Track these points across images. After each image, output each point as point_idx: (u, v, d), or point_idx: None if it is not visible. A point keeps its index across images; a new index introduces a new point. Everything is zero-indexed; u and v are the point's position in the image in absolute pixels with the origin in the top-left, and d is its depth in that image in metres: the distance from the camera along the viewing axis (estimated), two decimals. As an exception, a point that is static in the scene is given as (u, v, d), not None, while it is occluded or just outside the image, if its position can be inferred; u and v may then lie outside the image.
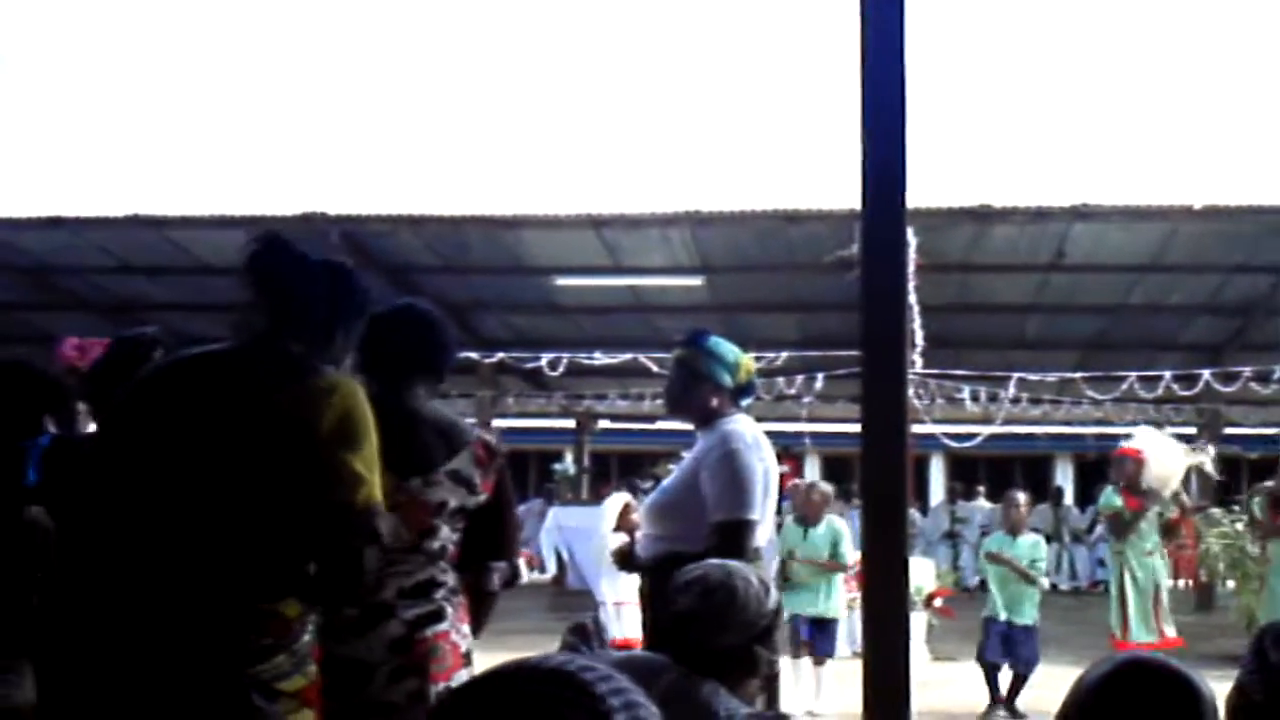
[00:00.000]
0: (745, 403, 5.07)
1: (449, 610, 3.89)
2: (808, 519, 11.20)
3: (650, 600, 4.82)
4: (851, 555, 11.15)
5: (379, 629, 3.72)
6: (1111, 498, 10.91)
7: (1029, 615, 10.80)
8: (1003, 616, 10.74)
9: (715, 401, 4.93)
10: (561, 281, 17.15)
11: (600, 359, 16.36)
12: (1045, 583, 11.17)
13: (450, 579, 3.94)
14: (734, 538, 4.40)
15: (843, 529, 11.28)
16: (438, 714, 1.43)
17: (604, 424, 25.88)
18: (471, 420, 19.93)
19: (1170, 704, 2.18)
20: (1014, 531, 11.14)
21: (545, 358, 16.43)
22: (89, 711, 2.95)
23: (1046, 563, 11.16)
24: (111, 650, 2.91)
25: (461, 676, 3.82)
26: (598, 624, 3.49)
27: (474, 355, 16.94)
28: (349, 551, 3.00)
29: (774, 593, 3.18)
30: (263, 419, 3.01)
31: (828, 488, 11.67)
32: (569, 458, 27.07)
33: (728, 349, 5.06)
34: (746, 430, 4.86)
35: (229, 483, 2.97)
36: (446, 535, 3.93)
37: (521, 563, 5.07)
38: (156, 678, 2.88)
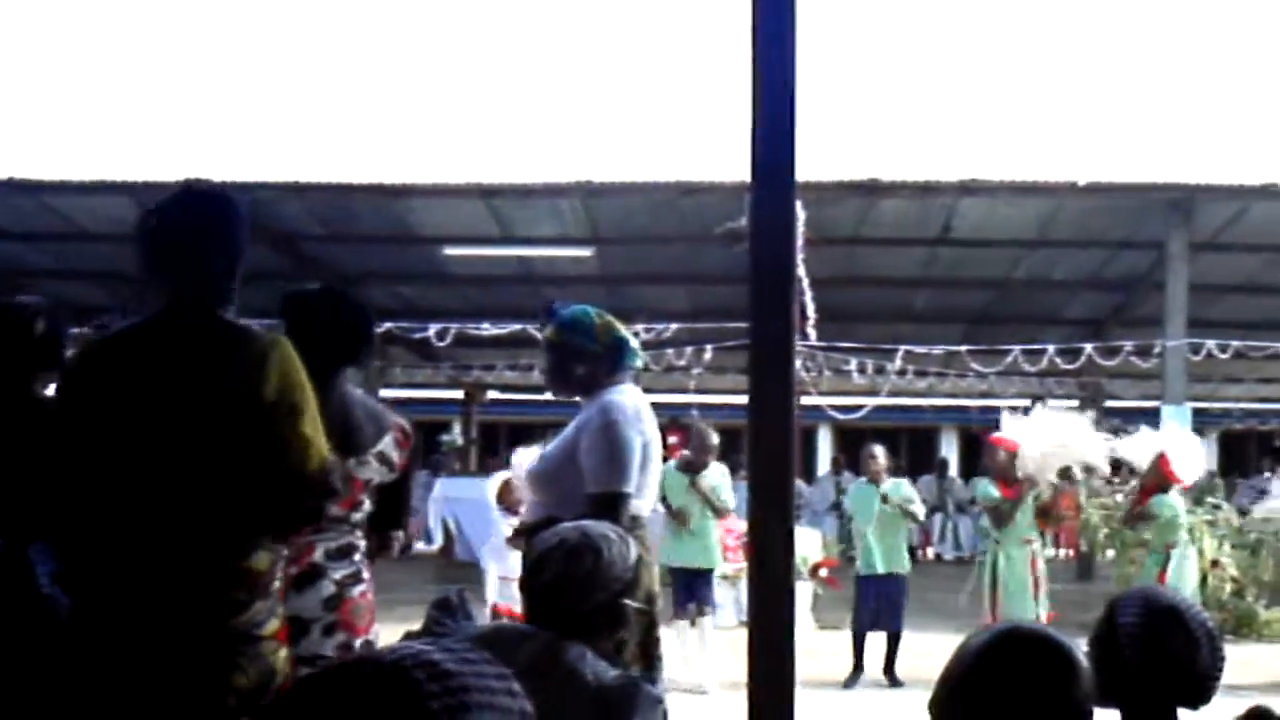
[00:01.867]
0: (633, 365, 5.03)
1: (364, 573, 4.31)
2: (694, 466, 11.22)
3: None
4: (731, 503, 11.26)
5: (314, 587, 4.07)
6: (988, 489, 11.01)
7: (904, 564, 11.00)
8: (881, 570, 10.88)
9: (587, 370, 4.90)
10: (450, 251, 17.03)
11: (489, 330, 16.27)
12: (921, 512, 11.34)
13: (363, 544, 4.34)
14: (608, 510, 4.40)
15: (725, 476, 11.36)
16: (275, 711, 1.42)
17: (492, 395, 25.81)
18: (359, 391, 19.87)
19: (1048, 671, 2.22)
20: (875, 482, 11.26)
21: (433, 328, 16.29)
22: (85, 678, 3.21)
23: (916, 502, 11.33)
24: (101, 614, 3.20)
25: (375, 630, 4.30)
26: (462, 598, 3.53)
27: (361, 325, 16.79)
28: (308, 510, 3.34)
29: (634, 547, 3.18)
30: (209, 393, 3.18)
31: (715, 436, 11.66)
32: (456, 429, 26.95)
33: (581, 313, 5.05)
34: (628, 401, 4.84)
35: (188, 456, 3.16)
36: (366, 507, 4.31)
37: (414, 532, 5.24)
38: (147, 640, 3.14)
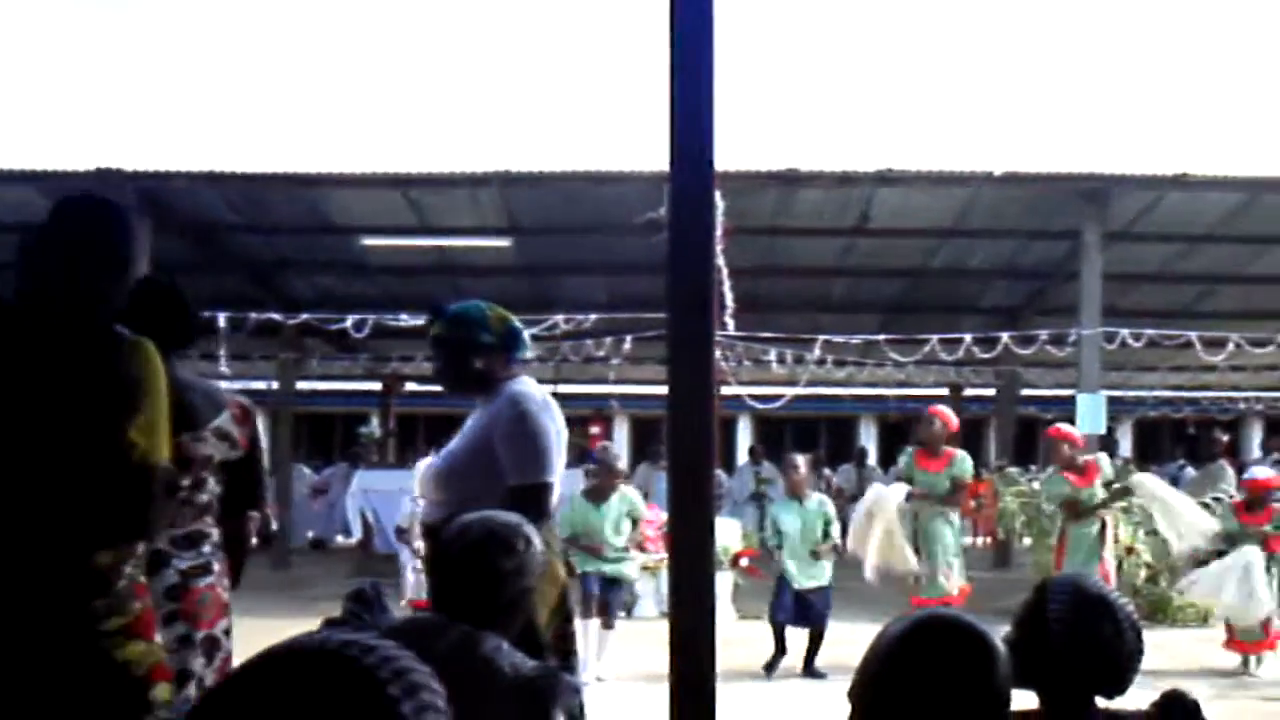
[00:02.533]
0: (525, 357, 4.96)
1: (215, 564, 4.38)
2: (601, 493, 11.11)
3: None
4: (646, 516, 11.27)
5: (157, 575, 4.06)
6: (1060, 483, 11.33)
7: (822, 578, 11.08)
8: (796, 585, 10.98)
9: (485, 364, 4.80)
10: (367, 241, 16.88)
11: (407, 321, 16.14)
12: (836, 538, 11.42)
13: (215, 534, 4.41)
14: (532, 502, 4.34)
15: (635, 495, 11.35)
16: (212, 699, 1.39)
17: (410, 386, 25.66)
18: (275, 384, 19.59)
19: (965, 657, 2.24)
20: (797, 496, 11.37)
21: (350, 319, 16.12)
22: None
23: (835, 524, 11.40)
24: None
25: (223, 625, 4.35)
26: (377, 590, 3.52)
27: (277, 316, 16.58)
28: (141, 513, 3.20)
29: (538, 540, 3.16)
30: (58, 387, 3.12)
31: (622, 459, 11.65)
32: (374, 420, 26.80)
33: (472, 306, 4.93)
34: (534, 391, 4.80)
35: (19, 451, 3.08)
36: (212, 488, 4.40)
37: (271, 514, 5.32)
38: None
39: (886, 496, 11.49)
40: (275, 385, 19.72)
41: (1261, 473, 12.02)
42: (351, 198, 15.52)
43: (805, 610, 10.95)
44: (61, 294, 3.25)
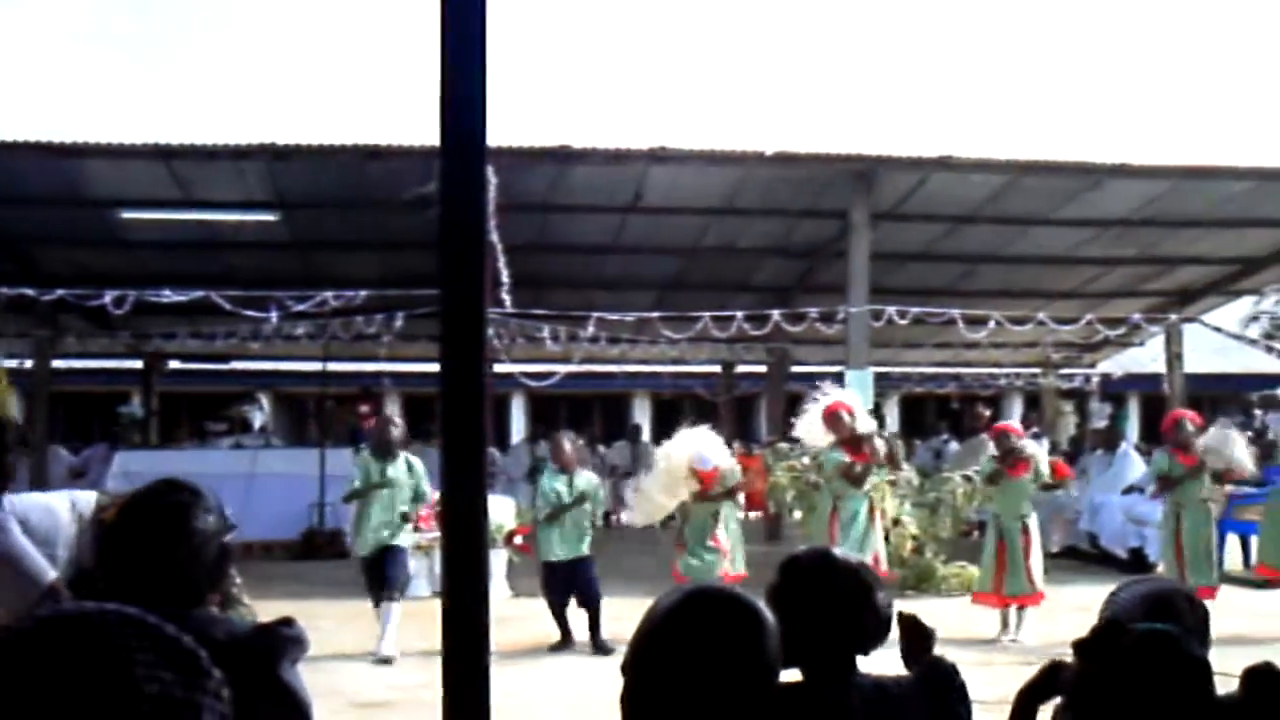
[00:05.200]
0: None
1: None
2: (385, 452, 11.25)
3: None
4: (429, 490, 11.30)
5: None
6: (1164, 460, 12.03)
7: (581, 550, 11.25)
8: (553, 557, 11.14)
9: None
10: (127, 215, 16.31)
11: (170, 296, 15.66)
12: (599, 515, 11.64)
13: None
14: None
15: (418, 463, 11.39)
16: None
17: (174, 364, 24.97)
18: (29, 362, 18.83)
19: (735, 628, 2.26)
20: (565, 469, 11.51)
21: (109, 295, 15.57)
22: None
23: (601, 499, 11.61)
24: None
25: None
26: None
27: (30, 292, 15.93)
28: None
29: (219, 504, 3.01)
30: None
31: (400, 424, 11.70)
32: (136, 400, 26.00)
33: None
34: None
35: None
36: None
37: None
38: None
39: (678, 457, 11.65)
40: (30, 364, 18.97)
41: (1013, 424, 12.63)
42: (109, 169, 14.97)
43: (570, 583, 11.10)
44: None
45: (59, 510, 5.30)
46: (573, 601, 11.15)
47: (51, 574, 4.57)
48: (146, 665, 1.28)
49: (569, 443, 11.69)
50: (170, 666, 1.29)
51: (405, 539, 11.27)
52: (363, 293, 15.75)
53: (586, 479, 11.60)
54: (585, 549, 11.30)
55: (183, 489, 2.89)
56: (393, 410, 16.53)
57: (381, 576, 10.93)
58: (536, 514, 11.80)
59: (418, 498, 11.37)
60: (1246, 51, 68.42)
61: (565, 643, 11.06)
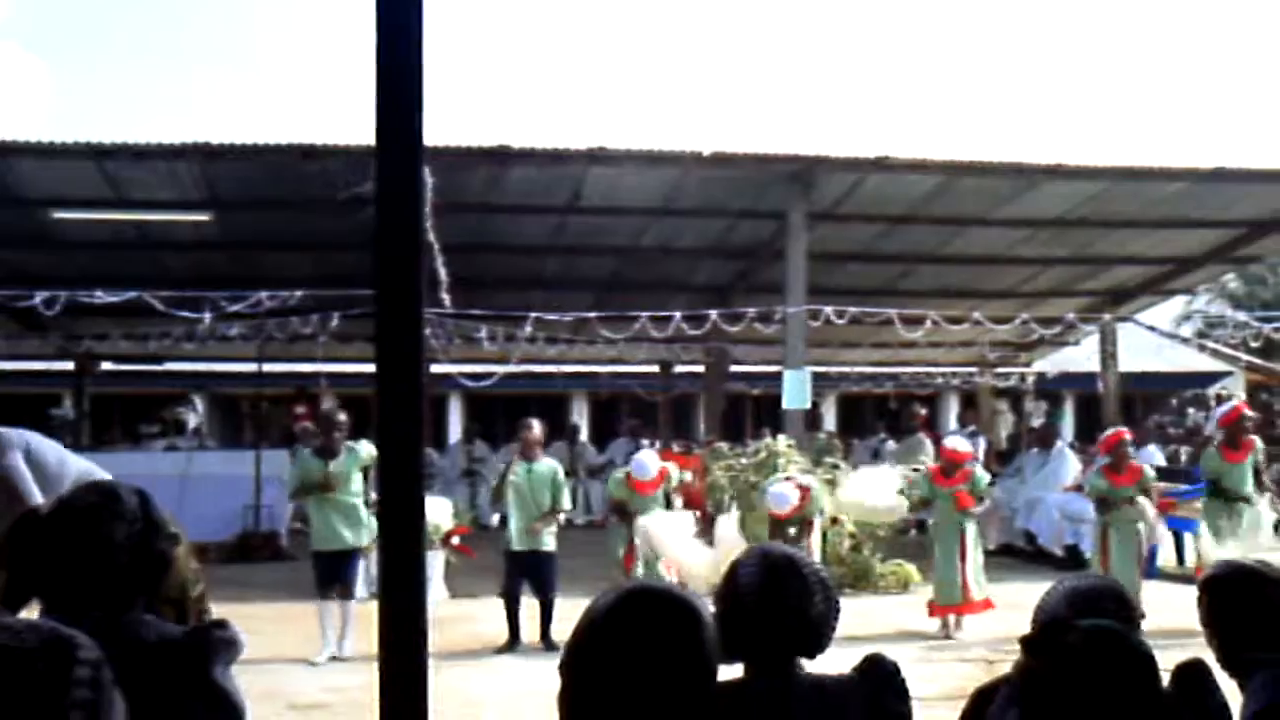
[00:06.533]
0: None
1: None
2: (328, 450, 11.17)
3: None
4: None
5: None
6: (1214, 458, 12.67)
7: (547, 542, 11.24)
8: (515, 546, 11.13)
9: None
10: (59, 215, 16.12)
11: (102, 297, 15.48)
12: (567, 504, 11.69)
13: None
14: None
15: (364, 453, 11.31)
16: None
17: (106, 366, 24.68)
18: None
19: (672, 626, 2.27)
20: (529, 458, 11.50)
21: (40, 296, 15.37)
22: None
23: (565, 492, 11.64)
24: None
25: None
26: None
27: (-43, 293, 15.73)
28: None
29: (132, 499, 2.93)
30: None
31: (343, 417, 11.61)
32: (68, 402, 25.70)
33: None
34: None
35: None
36: None
37: None
38: None
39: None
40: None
41: (958, 445, 12.61)
42: (40, 169, 14.80)
43: (535, 576, 11.08)
44: None
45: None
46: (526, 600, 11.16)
47: (38, 498, 4.69)
48: None
49: (536, 429, 11.71)
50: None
51: (366, 539, 11.16)
52: (298, 293, 15.63)
53: (547, 465, 11.61)
54: (549, 543, 11.30)
55: (99, 493, 2.83)
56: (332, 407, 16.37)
57: (340, 577, 10.88)
58: (503, 506, 11.79)
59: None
60: (1179, 55, 69.34)
61: (514, 643, 11.03)
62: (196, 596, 3.30)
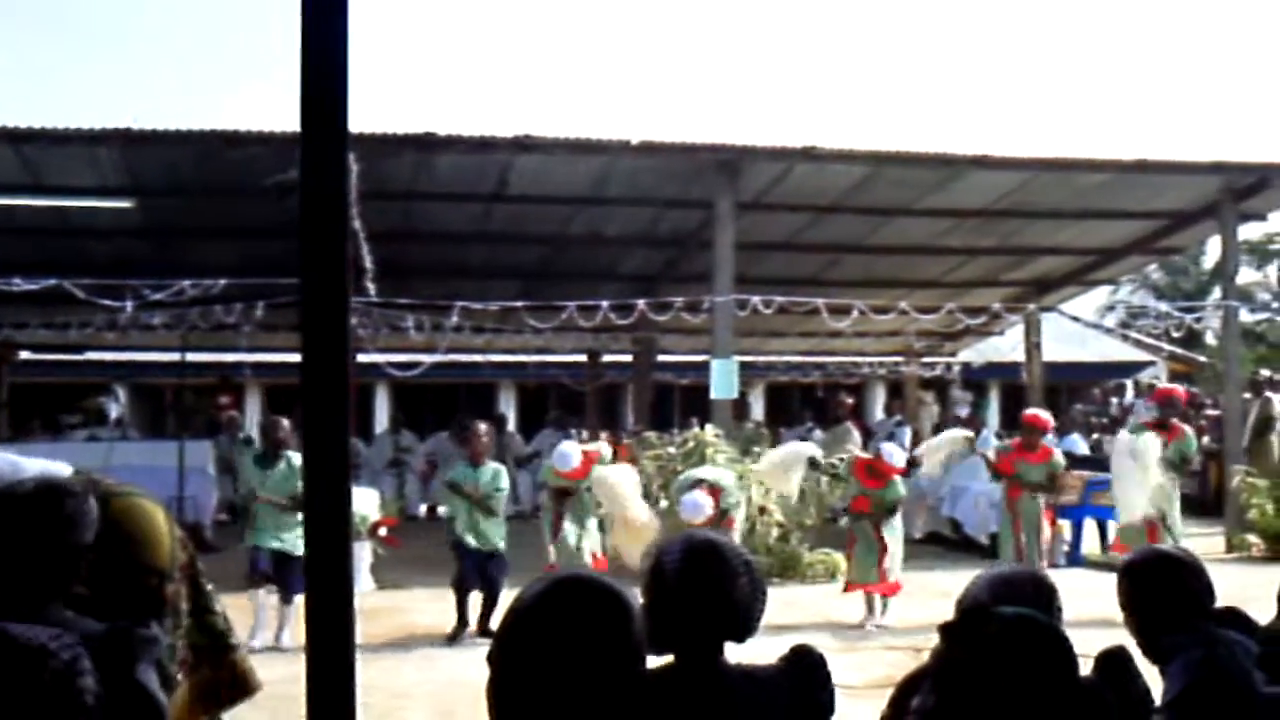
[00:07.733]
0: None
1: None
2: (270, 456, 11.28)
3: None
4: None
5: None
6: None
7: (496, 541, 11.34)
8: (472, 544, 11.22)
9: None
10: (-25, 201, 15.85)
11: (20, 285, 15.24)
12: (503, 509, 11.74)
13: None
14: None
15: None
16: None
17: (25, 355, 24.31)
18: None
19: (599, 613, 2.27)
20: (475, 461, 11.64)
21: (-44, 284, 15.12)
22: None
23: (504, 488, 11.70)
24: None
25: None
26: None
27: None
28: None
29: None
30: None
31: (286, 423, 11.58)
32: (-14, 392, 25.30)
33: None
34: None
35: None
36: None
37: None
38: None
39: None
40: None
41: (894, 457, 12.34)
42: (-44, 154, 14.53)
43: (484, 572, 11.17)
44: None
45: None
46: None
47: None
48: None
49: (485, 435, 11.96)
50: None
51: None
52: (222, 281, 15.47)
53: (493, 470, 11.66)
54: (499, 542, 11.38)
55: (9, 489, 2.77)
56: (255, 405, 16.20)
57: (277, 578, 10.87)
58: (451, 509, 11.82)
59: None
60: (1104, 48, 70.19)
61: (461, 630, 11.08)
62: (172, 595, 3.27)
